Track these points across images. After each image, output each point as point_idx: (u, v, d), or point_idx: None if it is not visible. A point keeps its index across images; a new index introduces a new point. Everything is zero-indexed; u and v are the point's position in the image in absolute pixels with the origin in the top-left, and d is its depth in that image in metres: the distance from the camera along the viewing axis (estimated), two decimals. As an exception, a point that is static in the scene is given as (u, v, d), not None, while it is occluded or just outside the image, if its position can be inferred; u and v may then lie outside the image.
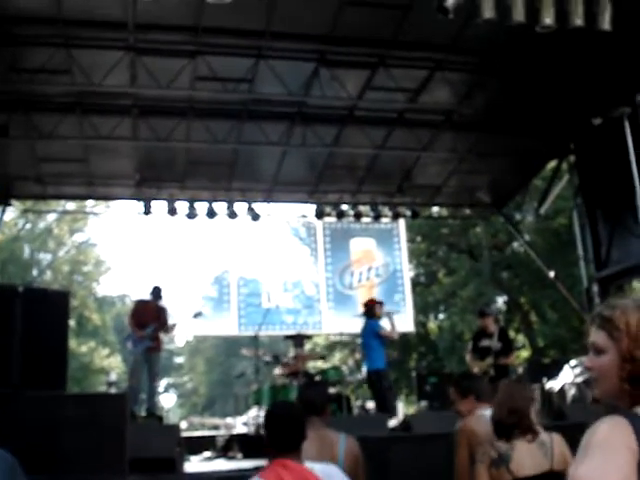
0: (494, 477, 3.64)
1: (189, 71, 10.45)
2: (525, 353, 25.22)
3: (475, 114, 12.34)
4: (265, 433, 3.49)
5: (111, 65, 10.00)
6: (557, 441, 3.76)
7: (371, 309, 10.93)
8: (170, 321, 10.94)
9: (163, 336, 11.03)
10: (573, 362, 12.06)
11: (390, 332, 11.03)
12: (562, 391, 11.08)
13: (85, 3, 8.92)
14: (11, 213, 25.86)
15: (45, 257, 33.67)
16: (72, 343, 28.35)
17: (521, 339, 25.55)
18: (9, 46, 9.75)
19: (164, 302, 11.06)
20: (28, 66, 10.12)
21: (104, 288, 39.27)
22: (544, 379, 11.41)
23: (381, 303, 11.16)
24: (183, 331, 15.05)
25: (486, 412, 4.35)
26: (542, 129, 12.45)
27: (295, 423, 3.50)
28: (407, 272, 17.05)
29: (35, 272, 31.97)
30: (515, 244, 24.07)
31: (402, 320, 16.42)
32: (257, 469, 3.47)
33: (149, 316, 10.39)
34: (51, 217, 31.96)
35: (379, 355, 10.80)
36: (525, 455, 3.67)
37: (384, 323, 11.01)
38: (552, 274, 15.81)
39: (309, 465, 3.33)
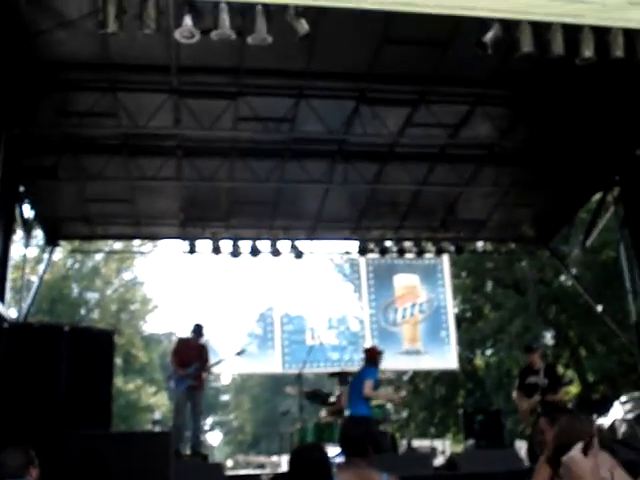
0: None
1: (231, 112, 10.61)
2: (575, 389, 24.70)
3: (517, 147, 12.28)
4: (289, 478, 3.37)
5: (155, 107, 10.22)
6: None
7: (373, 357, 10.35)
8: (212, 356, 10.98)
9: (206, 375, 11.07)
10: (624, 398, 11.78)
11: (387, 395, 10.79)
12: (612, 428, 10.81)
13: (130, 47, 9.13)
14: (59, 253, 26.41)
15: (93, 296, 34.12)
16: (119, 381, 28.64)
17: (570, 374, 25.02)
18: (58, 91, 10.05)
19: (206, 340, 11.12)
20: (76, 109, 10.41)
21: (151, 326, 39.65)
22: (594, 415, 11.16)
23: (381, 353, 10.56)
24: (227, 369, 15.05)
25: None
26: (586, 161, 12.32)
27: (318, 467, 3.38)
28: (451, 308, 16.91)
29: (83, 311, 32.45)
30: (562, 278, 23.71)
31: (446, 357, 16.28)
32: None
33: (191, 354, 10.43)
34: (99, 256, 32.48)
35: (367, 403, 9.89)
36: None
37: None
38: (600, 308, 15.53)
39: None
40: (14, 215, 11.94)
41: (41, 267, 15.97)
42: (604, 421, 10.80)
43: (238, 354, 11.20)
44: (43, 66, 9.42)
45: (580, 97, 10.75)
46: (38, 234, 14.35)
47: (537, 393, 9.62)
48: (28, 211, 12.85)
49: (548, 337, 25.30)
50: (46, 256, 14.85)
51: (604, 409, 11.24)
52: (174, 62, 9.48)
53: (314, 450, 3.59)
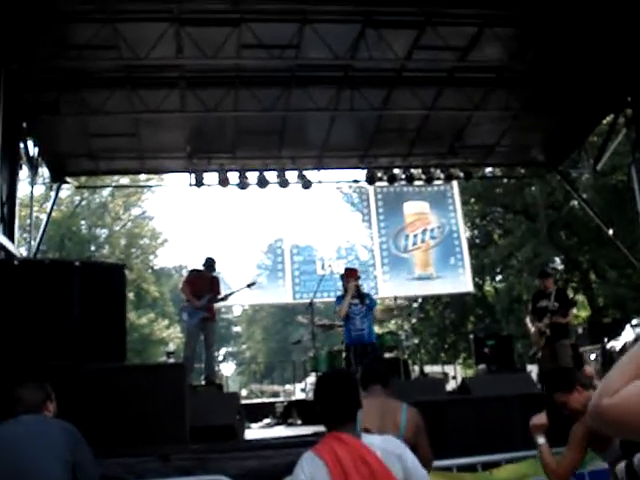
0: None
1: (234, 39, 10.37)
2: (584, 313, 24.84)
3: (527, 70, 12.04)
4: (317, 404, 3.27)
5: (156, 37, 9.98)
6: None
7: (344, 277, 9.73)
8: (224, 289, 11.00)
9: (218, 305, 11.10)
10: (635, 321, 11.80)
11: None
12: (624, 350, 10.85)
13: (128, -24, 8.92)
14: (66, 191, 26.38)
15: (102, 232, 34.26)
16: (131, 315, 28.98)
17: (580, 299, 25.13)
18: (55, 23, 9.81)
19: (217, 273, 11.12)
20: (75, 42, 10.18)
21: (161, 260, 39.86)
22: (605, 339, 11.20)
23: (354, 276, 9.62)
24: (238, 301, 15.12)
25: None
26: (597, 82, 12.07)
27: (349, 392, 3.26)
28: (463, 233, 16.84)
29: (93, 247, 32.60)
30: (572, 203, 23.59)
31: (461, 281, 16.29)
32: (316, 435, 3.45)
33: (203, 286, 10.43)
34: (106, 192, 32.47)
35: (345, 330, 9.53)
36: None
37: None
38: (611, 232, 15.47)
39: (368, 439, 3.13)
40: (19, 152, 11.85)
41: (48, 205, 15.95)
42: (615, 344, 10.85)
43: (249, 286, 11.18)
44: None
45: (591, 15, 10.44)
46: (44, 172, 14.24)
47: (546, 316, 9.68)
48: (32, 148, 12.73)
49: (558, 262, 25.34)
50: (53, 194, 14.78)
51: (615, 332, 11.28)
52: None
53: (345, 376, 3.52)
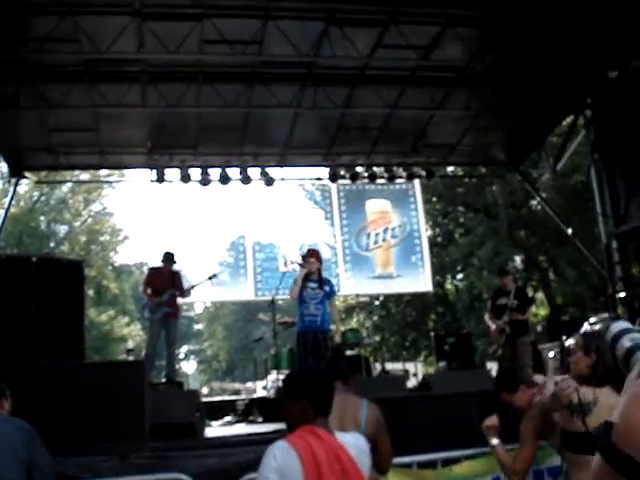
0: (565, 419, 3.61)
1: (197, 35, 10.28)
2: (544, 311, 25.17)
3: (488, 70, 12.13)
4: (306, 395, 3.16)
5: (118, 31, 9.84)
6: None
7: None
8: (185, 285, 10.93)
9: (180, 302, 11.02)
10: (592, 319, 11.97)
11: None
12: (570, 350, 11.02)
13: (89, -32, 8.78)
14: (25, 186, 25.99)
15: (62, 228, 33.83)
16: (91, 313, 28.67)
17: (540, 297, 25.47)
18: (15, 15, 9.63)
19: (177, 267, 11.04)
20: (34, 35, 9.99)
21: (122, 257, 39.45)
22: (564, 337, 11.35)
23: (314, 257, 9.09)
24: (200, 295, 15.03)
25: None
26: (557, 84, 12.22)
27: (331, 386, 3.32)
28: (424, 232, 16.94)
29: (52, 244, 32.16)
30: (532, 202, 23.87)
31: (420, 281, 16.39)
32: (277, 432, 3.42)
33: (164, 282, 10.35)
34: (66, 188, 32.06)
35: (298, 316, 9.03)
36: (606, 412, 3.60)
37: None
38: (570, 231, 15.68)
39: (341, 436, 3.12)
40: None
41: (6, 200, 15.68)
42: (573, 342, 10.99)
43: (210, 278, 11.12)
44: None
45: (550, 17, 10.55)
46: (2, 167, 14.04)
47: (506, 314, 9.80)
48: (-10, 142, 12.50)
49: (518, 261, 25.63)
50: (11, 189, 14.54)
51: (574, 330, 11.43)
52: (136, -17, 9.14)
53: (327, 371, 3.54)
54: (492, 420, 4.59)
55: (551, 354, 11.63)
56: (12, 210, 18.56)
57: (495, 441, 4.48)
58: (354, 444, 3.09)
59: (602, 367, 3.72)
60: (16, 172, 13.89)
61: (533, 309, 12.26)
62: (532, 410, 4.39)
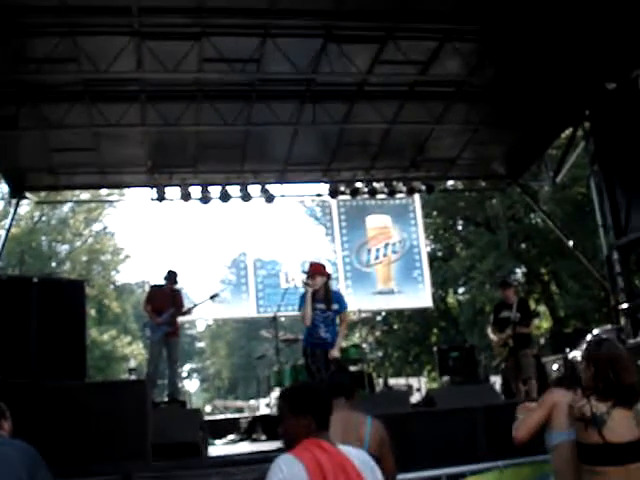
0: (580, 432, 3.57)
1: (195, 53, 10.34)
2: (546, 324, 25.11)
3: (487, 84, 12.17)
4: (311, 410, 3.17)
5: (117, 51, 9.91)
6: None
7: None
8: (187, 304, 10.91)
9: (181, 320, 11.00)
10: (595, 331, 11.94)
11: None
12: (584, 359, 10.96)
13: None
14: (26, 206, 26.02)
15: (63, 248, 33.82)
16: (93, 332, 28.60)
17: (542, 310, 25.41)
18: (14, 36, 9.68)
19: (179, 286, 11.02)
20: (34, 56, 10.07)
21: (123, 276, 39.42)
22: (567, 349, 11.31)
23: (319, 272, 8.25)
24: (202, 314, 15.00)
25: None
26: (555, 96, 12.25)
27: (330, 400, 3.34)
28: (424, 247, 16.95)
29: (53, 264, 32.14)
30: (532, 215, 23.89)
31: (421, 297, 16.37)
32: (281, 450, 3.37)
33: (165, 301, 10.34)
34: (66, 208, 32.10)
35: (305, 332, 8.37)
36: (621, 421, 3.57)
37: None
38: (571, 243, 15.67)
39: (344, 449, 3.12)
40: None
41: (7, 221, 15.69)
42: (577, 354, 10.95)
43: (212, 297, 11.09)
44: (-3, 10, 9.06)
45: (549, 31, 10.61)
46: (3, 188, 14.06)
47: (509, 327, 9.74)
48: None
49: (519, 274, 25.61)
50: (12, 209, 14.55)
51: (577, 342, 11.40)
52: (134, 3, 9.18)
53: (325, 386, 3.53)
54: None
55: (555, 367, 11.59)
56: (13, 230, 18.58)
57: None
58: (356, 456, 3.09)
59: (600, 379, 3.71)
60: (17, 193, 13.91)
61: (537, 322, 12.22)
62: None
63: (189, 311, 10.84)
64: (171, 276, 10.76)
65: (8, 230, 14.72)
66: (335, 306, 8.11)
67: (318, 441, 3.04)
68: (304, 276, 8.30)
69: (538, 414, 4.15)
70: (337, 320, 8.22)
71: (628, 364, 3.74)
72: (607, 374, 3.68)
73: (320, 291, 8.08)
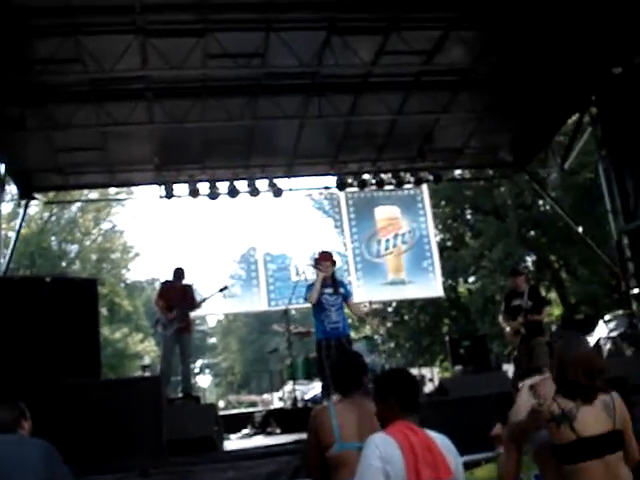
0: (553, 433, 3.55)
1: (200, 49, 10.34)
2: (557, 311, 25.07)
3: (492, 72, 12.14)
4: (394, 394, 3.36)
5: (121, 49, 9.92)
6: (618, 400, 3.64)
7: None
8: (197, 298, 10.93)
9: (192, 316, 11.02)
10: (607, 317, 11.93)
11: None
12: (598, 346, 10.97)
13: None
14: (35, 207, 26.11)
15: (73, 248, 33.94)
16: (105, 330, 28.69)
17: (553, 297, 25.37)
18: (18, 38, 9.71)
19: (189, 282, 11.05)
20: (39, 57, 10.09)
21: (133, 274, 39.53)
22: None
23: (328, 260, 8.74)
24: (213, 309, 15.02)
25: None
26: (561, 82, 12.21)
27: (416, 382, 3.55)
28: (433, 237, 16.92)
29: (64, 263, 32.26)
30: (541, 202, 23.82)
31: (431, 286, 16.35)
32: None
33: (176, 297, 10.36)
34: (75, 208, 32.20)
35: (317, 323, 8.65)
36: (590, 415, 3.56)
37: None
38: (580, 229, 15.63)
39: (429, 432, 3.29)
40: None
41: (17, 222, 15.75)
42: (589, 340, 10.95)
43: (221, 290, 11.10)
44: (1, 13, 9.08)
45: (552, 16, 10.56)
46: (12, 189, 14.10)
47: (521, 315, 9.71)
48: (-1, 165, 12.59)
49: (529, 261, 25.55)
50: (21, 210, 14.61)
51: (589, 328, 11.39)
52: (138, 1, 9.19)
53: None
54: (497, 429, 4.55)
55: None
56: (23, 231, 18.66)
57: (501, 450, 4.40)
58: (441, 439, 3.28)
59: (564, 380, 3.69)
60: (26, 194, 13.98)
61: (548, 309, 12.19)
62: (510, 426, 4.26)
63: (199, 305, 10.87)
64: (178, 273, 10.79)
65: (18, 231, 14.80)
66: (342, 290, 8.68)
67: (407, 423, 3.24)
68: (312, 264, 9.05)
69: (510, 461, 4.09)
70: (344, 307, 8.68)
71: (592, 365, 3.70)
72: (569, 376, 3.66)
73: (328, 279, 8.61)
